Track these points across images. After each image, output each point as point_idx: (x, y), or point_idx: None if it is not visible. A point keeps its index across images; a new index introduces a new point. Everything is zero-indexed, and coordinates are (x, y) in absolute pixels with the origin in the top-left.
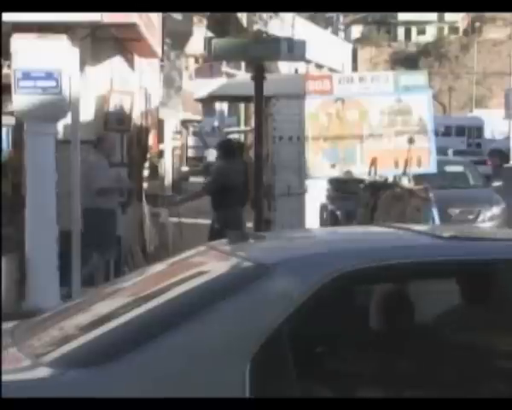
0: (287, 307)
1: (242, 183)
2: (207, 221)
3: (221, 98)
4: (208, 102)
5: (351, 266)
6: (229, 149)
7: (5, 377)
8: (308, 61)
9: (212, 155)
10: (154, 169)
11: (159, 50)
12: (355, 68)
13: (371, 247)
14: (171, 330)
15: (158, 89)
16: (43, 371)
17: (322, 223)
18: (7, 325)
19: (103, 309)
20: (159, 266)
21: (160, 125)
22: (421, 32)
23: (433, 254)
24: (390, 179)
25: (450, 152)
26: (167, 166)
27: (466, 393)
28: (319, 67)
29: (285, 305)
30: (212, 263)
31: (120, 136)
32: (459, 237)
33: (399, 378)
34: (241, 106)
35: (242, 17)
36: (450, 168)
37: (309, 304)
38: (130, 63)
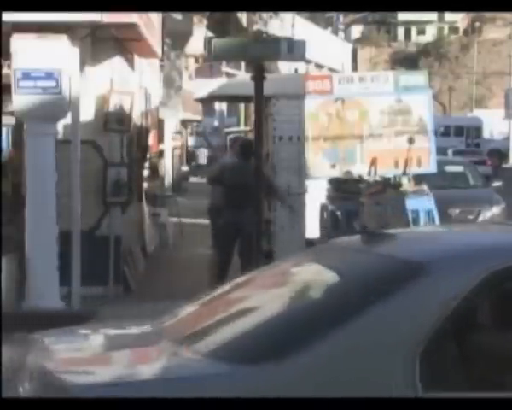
0: (448, 304)
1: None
2: (207, 221)
3: (221, 98)
4: (208, 102)
5: (503, 263)
6: (248, 149)
7: (172, 374)
8: (308, 61)
9: (203, 154)
10: (154, 169)
11: (159, 50)
12: (355, 68)
13: None
14: (338, 328)
15: (158, 89)
16: (213, 368)
17: (323, 223)
18: (141, 328)
19: (256, 302)
20: (299, 260)
21: (160, 125)
22: (421, 32)
23: None
24: (391, 179)
25: (449, 152)
26: (167, 166)
27: None
28: (319, 67)
29: (446, 301)
30: (361, 261)
31: (120, 136)
32: None
33: None
34: (241, 106)
35: (242, 17)
36: (450, 168)
37: (468, 300)
38: (130, 63)
